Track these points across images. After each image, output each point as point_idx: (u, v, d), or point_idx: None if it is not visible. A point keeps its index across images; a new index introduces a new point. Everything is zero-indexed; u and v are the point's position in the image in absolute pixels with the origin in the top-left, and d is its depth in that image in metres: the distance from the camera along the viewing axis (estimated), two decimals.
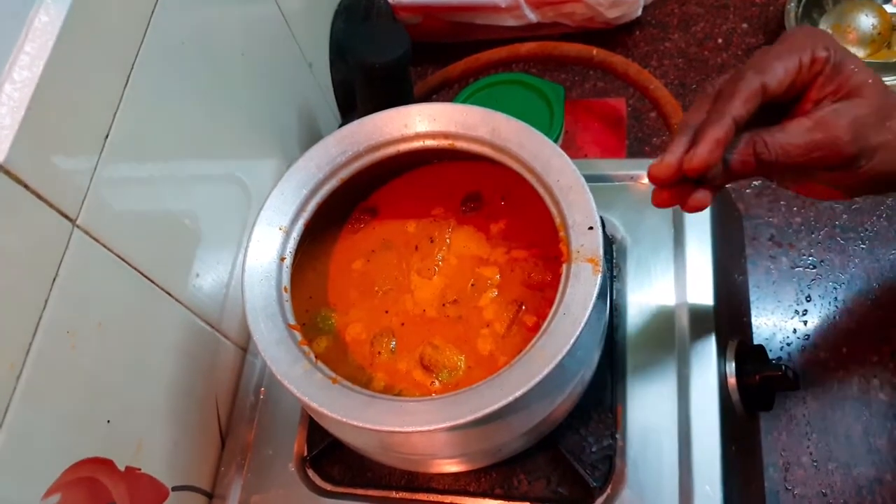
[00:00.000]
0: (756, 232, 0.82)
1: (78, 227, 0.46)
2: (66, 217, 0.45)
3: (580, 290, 0.44)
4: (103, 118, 0.48)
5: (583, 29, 0.95)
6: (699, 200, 0.44)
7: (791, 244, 0.81)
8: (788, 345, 0.76)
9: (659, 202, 0.45)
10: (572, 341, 0.42)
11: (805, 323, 0.77)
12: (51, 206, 0.43)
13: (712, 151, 0.42)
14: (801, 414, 0.73)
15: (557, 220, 0.47)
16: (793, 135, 0.43)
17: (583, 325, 0.42)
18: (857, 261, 0.79)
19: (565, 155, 0.48)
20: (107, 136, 0.48)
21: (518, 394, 0.41)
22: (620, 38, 0.98)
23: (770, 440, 0.71)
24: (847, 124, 0.42)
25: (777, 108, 0.45)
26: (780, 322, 0.78)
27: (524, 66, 0.97)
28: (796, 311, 0.78)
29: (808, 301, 0.78)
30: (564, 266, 0.46)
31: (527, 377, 0.41)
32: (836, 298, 0.78)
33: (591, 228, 0.45)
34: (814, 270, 0.79)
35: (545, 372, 0.41)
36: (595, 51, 0.78)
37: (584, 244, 0.45)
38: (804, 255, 0.80)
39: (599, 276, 0.44)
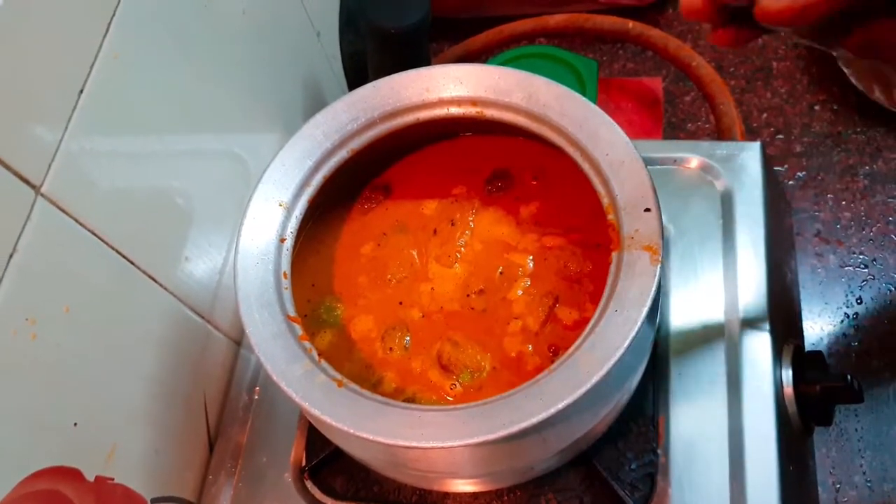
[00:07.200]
0: (801, 227, 0.75)
1: (43, 195, 0.39)
2: (28, 183, 0.38)
3: (635, 282, 0.37)
4: (76, 71, 0.41)
5: (611, 5, 0.88)
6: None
7: (840, 241, 0.74)
8: (837, 351, 0.70)
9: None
10: (627, 343, 0.35)
11: (855, 328, 0.70)
12: (8, 168, 0.37)
13: None
14: (852, 428, 0.66)
15: (605, 201, 0.40)
16: None
17: (639, 324, 0.35)
18: None
19: (616, 125, 0.41)
20: (80, 92, 0.42)
21: (562, 405, 0.34)
22: (652, 17, 0.91)
23: (818, 457, 0.64)
24: None
25: None
26: (827, 326, 0.71)
27: (548, 41, 0.90)
28: (846, 314, 0.71)
29: (859, 303, 0.71)
30: (614, 254, 0.39)
31: (572, 385, 0.34)
32: (890, 301, 0.71)
33: (647, 210, 0.38)
34: (865, 270, 0.72)
35: (595, 379, 0.34)
36: (631, 24, 0.71)
37: (640, 229, 0.38)
38: (854, 252, 0.73)
39: (658, 266, 0.37)
